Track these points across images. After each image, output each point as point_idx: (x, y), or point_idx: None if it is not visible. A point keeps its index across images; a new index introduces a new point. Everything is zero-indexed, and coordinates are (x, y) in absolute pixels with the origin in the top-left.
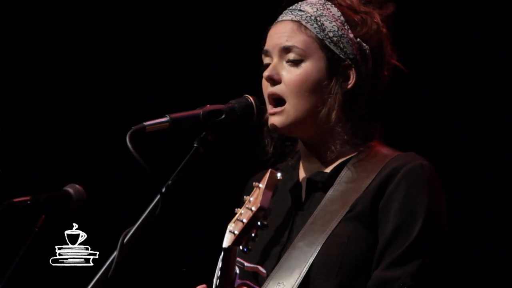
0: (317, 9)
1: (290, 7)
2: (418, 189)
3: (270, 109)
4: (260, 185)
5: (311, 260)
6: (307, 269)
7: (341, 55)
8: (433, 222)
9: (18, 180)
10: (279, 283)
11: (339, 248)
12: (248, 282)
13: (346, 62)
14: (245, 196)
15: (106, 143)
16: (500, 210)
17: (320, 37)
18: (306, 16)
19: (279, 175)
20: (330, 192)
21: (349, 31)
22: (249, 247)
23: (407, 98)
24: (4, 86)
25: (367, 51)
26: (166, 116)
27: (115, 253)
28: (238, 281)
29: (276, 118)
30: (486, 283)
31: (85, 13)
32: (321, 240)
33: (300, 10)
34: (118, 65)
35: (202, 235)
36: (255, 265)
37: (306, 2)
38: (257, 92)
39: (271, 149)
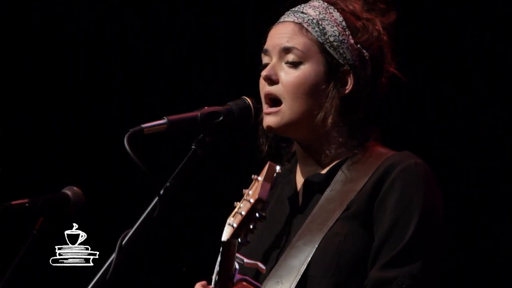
0: (320, 13)
1: (293, 9)
2: (413, 188)
3: (266, 108)
4: (259, 178)
5: (308, 259)
6: (305, 268)
7: (340, 60)
8: (428, 220)
9: (18, 180)
10: (277, 281)
11: (336, 247)
12: (247, 277)
13: (345, 68)
14: (244, 190)
15: (106, 143)
16: (500, 210)
17: (321, 41)
18: (308, 19)
19: (278, 167)
20: (327, 192)
21: (350, 36)
22: (248, 240)
23: (406, 98)
24: (4, 86)
25: (367, 58)
26: (164, 118)
27: (113, 256)
28: (237, 276)
29: (271, 118)
30: (486, 283)
31: (85, 13)
32: (318, 239)
33: (302, 12)
34: (118, 65)
35: (201, 236)
36: (254, 261)
37: (309, 5)
38: (256, 93)
39: (266, 148)
